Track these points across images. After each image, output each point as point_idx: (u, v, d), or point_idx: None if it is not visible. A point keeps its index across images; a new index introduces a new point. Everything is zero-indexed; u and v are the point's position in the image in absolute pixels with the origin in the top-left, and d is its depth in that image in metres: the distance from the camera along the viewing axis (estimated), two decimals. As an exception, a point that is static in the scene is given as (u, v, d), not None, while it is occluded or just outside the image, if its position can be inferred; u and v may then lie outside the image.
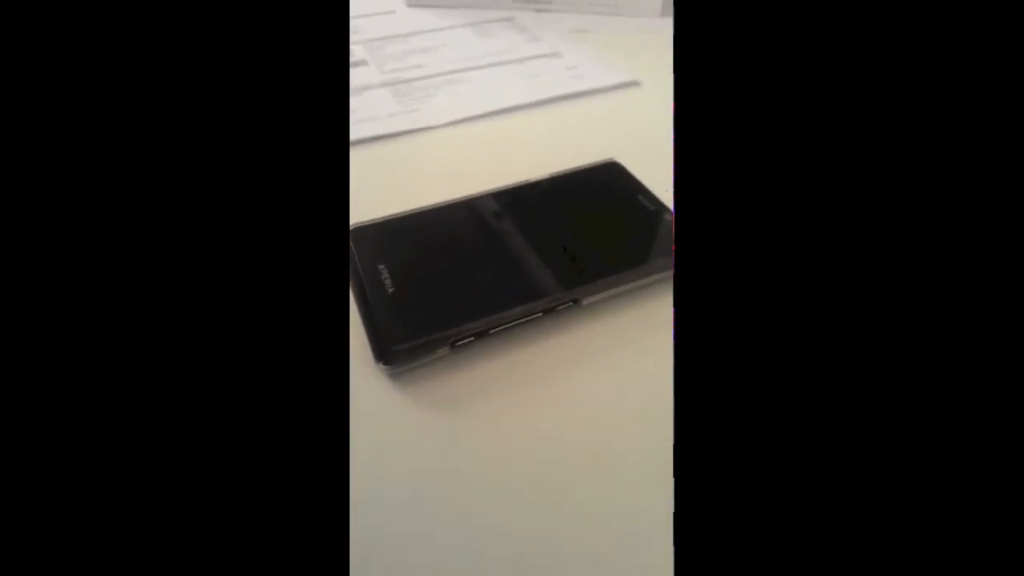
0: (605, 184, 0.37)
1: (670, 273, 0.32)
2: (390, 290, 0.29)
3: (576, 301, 0.30)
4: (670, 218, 0.34)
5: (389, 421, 0.26)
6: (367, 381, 0.28)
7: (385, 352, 0.27)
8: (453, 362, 0.29)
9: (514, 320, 0.29)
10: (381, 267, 0.30)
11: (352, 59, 0.56)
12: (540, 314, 0.30)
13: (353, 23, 0.62)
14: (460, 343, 0.28)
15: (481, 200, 0.35)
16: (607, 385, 0.28)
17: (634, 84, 0.52)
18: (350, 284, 0.30)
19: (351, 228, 0.33)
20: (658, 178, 0.37)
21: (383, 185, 0.40)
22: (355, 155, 0.43)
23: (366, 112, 0.47)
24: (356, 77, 0.53)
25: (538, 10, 0.64)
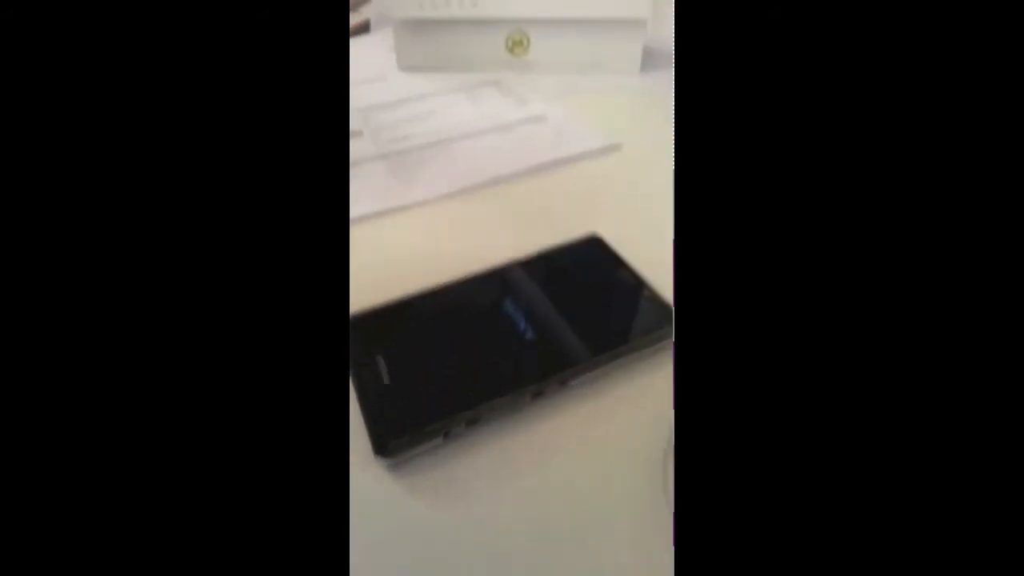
0: (587, 260, 0.39)
1: (650, 349, 0.34)
2: (387, 381, 0.31)
3: (563, 383, 0.32)
4: (648, 293, 0.36)
5: (388, 511, 0.28)
6: (367, 472, 0.29)
7: (383, 446, 0.29)
8: (448, 449, 0.30)
9: (504, 407, 0.31)
10: (378, 358, 0.32)
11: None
12: (528, 398, 0.31)
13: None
14: (453, 432, 0.30)
15: (471, 283, 0.37)
16: (596, 463, 0.30)
17: (615, 148, 0.55)
18: (350, 376, 0.32)
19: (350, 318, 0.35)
20: (639, 244, 0.40)
21: (378, 264, 0.42)
22: (352, 233, 0.45)
23: (361, 187, 0.50)
24: (352, 150, 0.55)
25: (523, 71, 0.67)
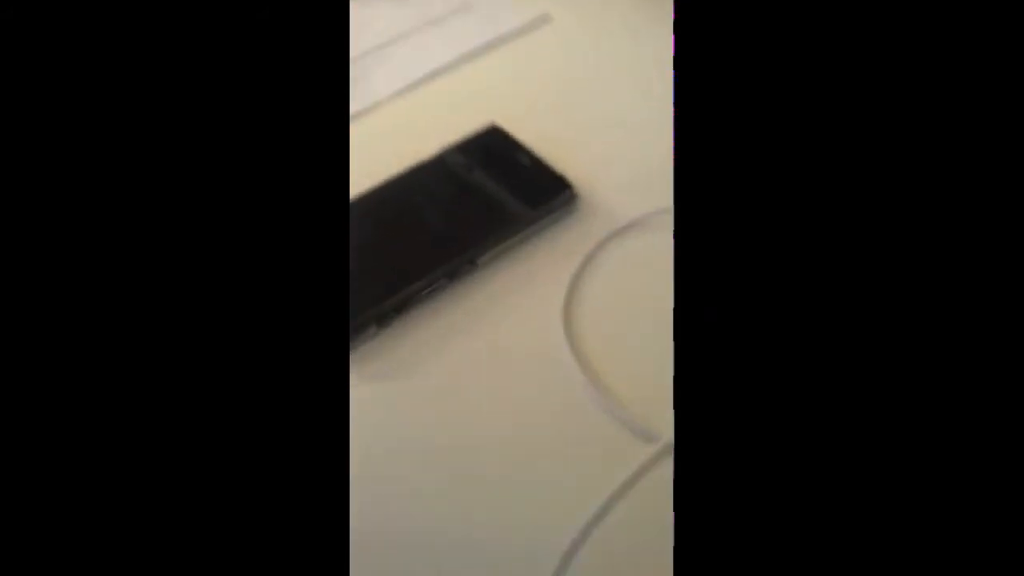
0: (487, 150, 0.42)
1: (548, 219, 0.38)
2: None
3: (472, 262, 0.37)
4: (543, 171, 0.40)
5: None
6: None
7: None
8: (386, 336, 0.36)
9: (424, 290, 0.36)
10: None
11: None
12: (443, 279, 0.37)
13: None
14: (384, 320, 0.36)
15: (381, 191, 0.41)
16: (511, 324, 0.36)
17: (546, 20, 0.56)
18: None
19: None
20: (555, 120, 0.44)
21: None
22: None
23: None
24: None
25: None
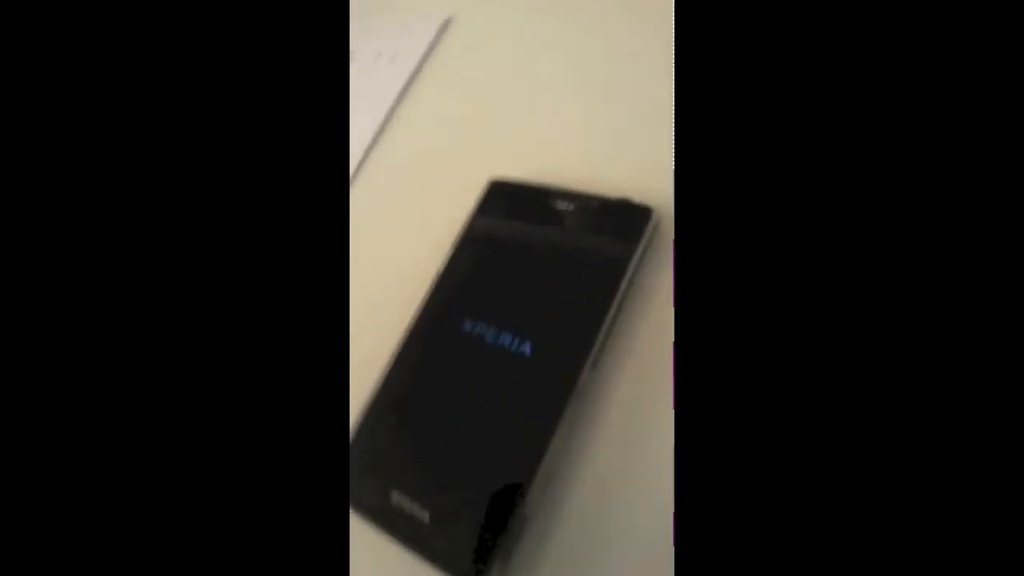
0: (507, 214, 0.31)
1: (643, 256, 0.27)
2: (427, 520, 0.25)
3: (595, 365, 0.26)
4: (594, 203, 0.29)
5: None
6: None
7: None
8: (537, 521, 0.25)
9: (558, 440, 0.25)
10: (394, 493, 0.26)
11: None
12: (574, 408, 0.25)
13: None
14: (528, 511, 0.24)
15: (419, 339, 0.30)
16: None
17: (450, 22, 0.45)
18: (380, 528, 0.26)
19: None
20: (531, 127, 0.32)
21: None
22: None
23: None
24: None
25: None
